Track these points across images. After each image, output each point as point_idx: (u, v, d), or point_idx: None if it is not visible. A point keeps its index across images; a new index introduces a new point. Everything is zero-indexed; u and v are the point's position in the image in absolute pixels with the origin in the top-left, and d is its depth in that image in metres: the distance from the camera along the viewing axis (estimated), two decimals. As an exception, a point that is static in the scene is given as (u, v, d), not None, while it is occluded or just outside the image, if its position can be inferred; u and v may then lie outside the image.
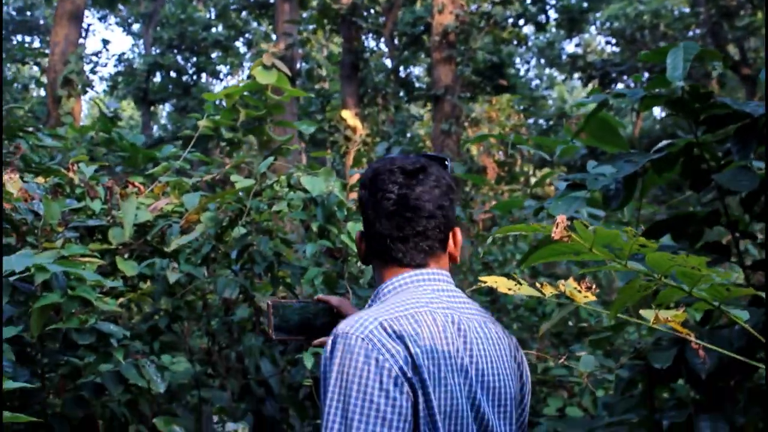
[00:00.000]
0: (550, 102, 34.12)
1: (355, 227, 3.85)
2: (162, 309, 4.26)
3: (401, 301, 1.84)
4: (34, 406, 3.66)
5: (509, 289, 2.00)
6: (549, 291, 2.00)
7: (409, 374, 1.70)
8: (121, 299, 3.73)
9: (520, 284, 2.00)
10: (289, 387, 4.72)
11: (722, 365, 2.67)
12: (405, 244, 1.93)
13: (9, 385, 2.33)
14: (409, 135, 24.73)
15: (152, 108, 32.84)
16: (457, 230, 2.06)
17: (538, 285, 2.03)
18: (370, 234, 1.99)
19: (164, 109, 36.76)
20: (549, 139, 3.32)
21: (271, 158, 3.96)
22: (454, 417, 1.75)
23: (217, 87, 35.66)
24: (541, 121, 29.03)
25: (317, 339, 2.25)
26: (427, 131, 23.05)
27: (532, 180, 13.68)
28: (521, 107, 18.99)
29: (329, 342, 1.77)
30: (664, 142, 3.05)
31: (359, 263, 4.11)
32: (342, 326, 1.77)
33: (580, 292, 1.98)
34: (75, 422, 3.79)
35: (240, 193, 3.97)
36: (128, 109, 37.26)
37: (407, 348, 1.72)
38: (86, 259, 3.22)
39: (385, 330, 1.73)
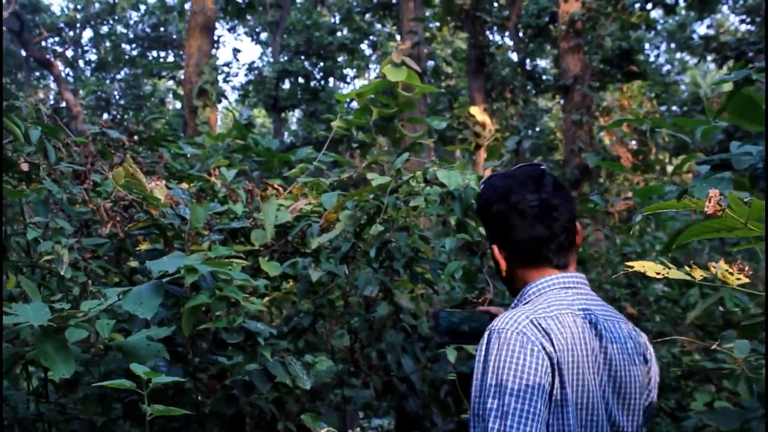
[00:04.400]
0: (683, 87, 33.11)
1: None
2: (303, 309, 4.34)
3: (547, 303, 2.02)
4: (186, 404, 3.79)
5: (658, 273, 1.94)
6: (699, 274, 1.93)
7: (554, 364, 1.91)
8: (266, 299, 3.81)
9: (669, 268, 1.94)
10: (431, 383, 4.72)
11: None
12: (554, 242, 2.10)
13: (161, 379, 2.42)
14: (538, 128, 24.47)
15: (282, 114, 33.48)
16: (578, 224, 2.19)
17: (687, 269, 1.96)
18: (515, 242, 2.13)
19: (294, 115, 37.41)
20: (689, 120, 3.19)
21: (406, 155, 3.98)
22: (588, 409, 1.94)
23: (345, 90, 36.09)
24: (674, 107, 28.21)
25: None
26: (557, 123, 22.73)
27: (668, 168, 13.31)
28: (653, 94, 18.47)
29: (485, 337, 1.97)
30: (814, 119, 2.90)
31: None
32: (496, 323, 1.96)
33: (732, 274, 1.91)
34: (225, 419, 3.90)
35: (377, 191, 4.00)
36: (259, 116, 38.12)
37: (552, 343, 1.92)
38: (232, 260, 3.31)
39: (534, 326, 1.93)
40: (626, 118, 3.32)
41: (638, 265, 1.95)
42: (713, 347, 2.78)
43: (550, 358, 1.90)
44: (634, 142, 14.63)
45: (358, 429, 3.72)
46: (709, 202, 1.56)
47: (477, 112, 17.33)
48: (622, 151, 13.91)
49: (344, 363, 4.86)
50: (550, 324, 1.95)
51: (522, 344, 1.89)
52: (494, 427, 1.82)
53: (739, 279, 1.90)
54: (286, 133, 33.99)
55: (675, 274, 1.94)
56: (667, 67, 33.65)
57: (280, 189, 4.40)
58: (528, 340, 1.89)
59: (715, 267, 1.92)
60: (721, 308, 7.28)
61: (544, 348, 1.90)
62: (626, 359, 2.03)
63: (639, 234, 9.60)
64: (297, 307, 4.36)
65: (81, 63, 39.19)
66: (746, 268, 1.92)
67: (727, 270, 1.92)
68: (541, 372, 1.88)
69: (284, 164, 6.63)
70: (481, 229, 3.89)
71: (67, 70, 37.62)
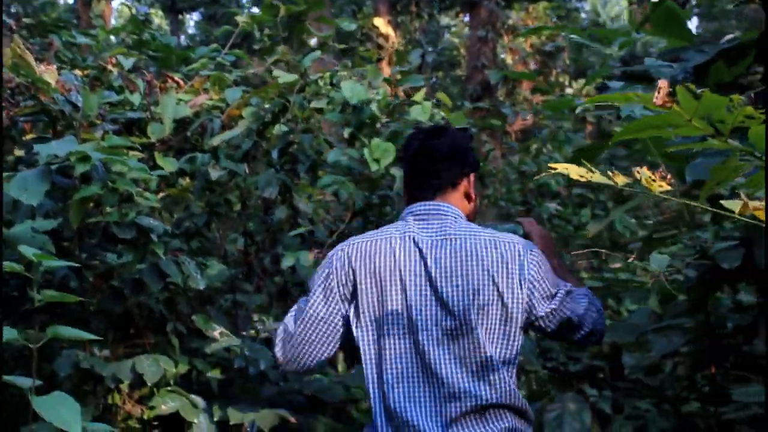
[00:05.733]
0: (583, 15, 33.33)
1: (380, 145, 3.75)
2: (197, 211, 4.18)
3: (379, 230, 2.44)
4: (71, 304, 3.63)
5: (581, 177, 1.88)
6: (621, 180, 1.88)
7: (346, 282, 2.35)
8: (161, 194, 3.65)
9: (593, 172, 1.88)
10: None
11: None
12: (421, 181, 2.46)
13: (54, 263, 2.27)
14: (440, 46, 24.27)
15: (180, 17, 32.41)
16: (473, 175, 2.53)
17: (610, 174, 1.91)
18: (405, 179, 2.57)
19: (192, 18, 36.30)
20: (609, 30, 3.13)
21: (317, 52, 3.82)
22: (392, 312, 2.29)
23: (247, -6, 35.08)
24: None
25: None
26: (460, 40, 22.60)
27: (568, 91, 13.42)
28: (555, 17, 18.49)
29: None
30: (730, 36, 2.88)
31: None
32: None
33: (654, 181, 1.87)
34: (112, 318, 3.76)
35: (283, 89, 3.84)
36: (156, 16, 36.89)
37: (351, 263, 2.34)
38: (127, 151, 3.13)
39: (344, 250, 2.38)
40: (545, 26, 3.22)
41: (562, 167, 1.88)
42: (630, 260, 2.80)
43: (342, 277, 2.35)
44: (535, 64, 14.68)
45: (252, 331, 3.62)
46: (658, 93, 1.47)
47: (381, 23, 17.07)
48: (524, 70, 13.94)
49: (237, 267, 4.75)
50: (359, 247, 2.36)
51: (329, 261, 2.39)
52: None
53: (661, 186, 1.85)
54: (183, 36, 32.97)
55: (598, 178, 1.88)
56: (573, -9, 33.68)
57: (181, 82, 4.20)
58: (330, 261, 2.38)
59: (639, 172, 1.87)
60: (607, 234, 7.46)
61: (340, 268, 2.35)
62: (450, 272, 2.28)
63: (535, 154, 9.68)
64: (191, 208, 4.21)
65: (-34, -53, 37.05)
66: (668, 176, 1.88)
67: (650, 177, 1.87)
68: (326, 284, 2.36)
69: (183, 62, 6.36)
70: (365, 150, 3.83)
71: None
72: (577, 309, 2.41)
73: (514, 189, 8.38)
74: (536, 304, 2.33)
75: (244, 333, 3.70)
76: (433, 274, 2.28)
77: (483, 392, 2.23)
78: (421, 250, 2.31)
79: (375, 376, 2.31)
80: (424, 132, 2.56)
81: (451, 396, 2.23)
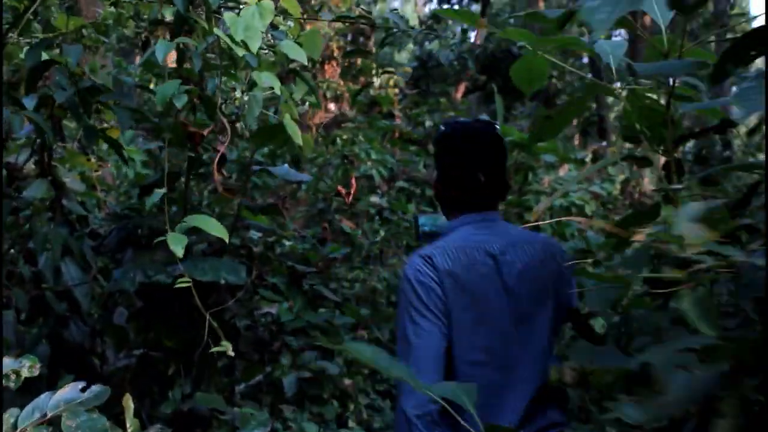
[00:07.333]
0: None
1: (241, 19, 2.50)
2: None
3: (447, 241, 2.59)
4: None
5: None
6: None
7: (435, 285, 2.48)
8: None
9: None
10: (108, 299, 3.27)
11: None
12: (473, 193, 2.63)
13: None
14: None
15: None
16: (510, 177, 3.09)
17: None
18: (446, 181, 2.68)
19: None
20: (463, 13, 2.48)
21: None
22: (475, 307, 2.47)
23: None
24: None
25: None
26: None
27: (375, 82, 12.44)
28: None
29: None
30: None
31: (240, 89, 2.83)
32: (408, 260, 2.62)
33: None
34: None
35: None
36: None
37: (435, 270, 2.48)
38: None
39: (423, 259, 2.51)
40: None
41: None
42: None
43: (433, 280, 2.46)
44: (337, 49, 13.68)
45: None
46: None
47: None
48: (335, 47, 12.87)
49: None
50: (436, 257, 2.49)
51: (414, 272, 2.49)
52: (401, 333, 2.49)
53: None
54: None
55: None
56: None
57: None
58: (416, 270, 2.49)
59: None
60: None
61: (427, 274, 2.46)
62: (520, 276, 2.51)
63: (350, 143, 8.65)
64: None
65: None
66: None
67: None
68: (423, 291, 2.47)
69: None
70: (218, 30, 2.56)
71: None
72: None
73: (339, 175, 7.31)
74: (568, 300, 2.59)
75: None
76: (506, 280, 2.48)
77: (543, 378, 2.45)
78: (494, 257, 2.50)
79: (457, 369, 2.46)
80: (485, 129, 2.64)
81: (520, 380, 2.45)
